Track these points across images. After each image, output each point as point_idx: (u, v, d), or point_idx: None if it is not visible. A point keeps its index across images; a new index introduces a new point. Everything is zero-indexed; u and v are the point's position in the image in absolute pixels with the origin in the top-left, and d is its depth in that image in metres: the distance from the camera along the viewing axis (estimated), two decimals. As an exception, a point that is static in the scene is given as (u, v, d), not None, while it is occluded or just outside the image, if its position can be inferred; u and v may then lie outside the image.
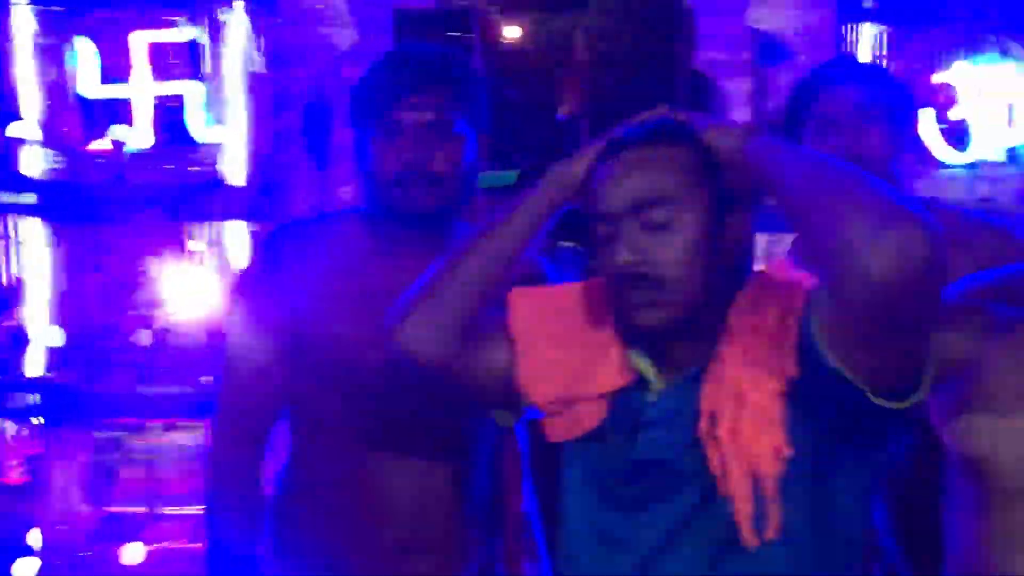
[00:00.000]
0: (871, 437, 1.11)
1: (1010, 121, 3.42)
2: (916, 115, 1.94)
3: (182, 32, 3.00)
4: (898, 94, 1.87)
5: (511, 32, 9.78)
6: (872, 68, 1.95)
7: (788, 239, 2.16)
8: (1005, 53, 3.38)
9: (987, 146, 3.41)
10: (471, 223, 1.68)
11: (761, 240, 2.51)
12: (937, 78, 3.36)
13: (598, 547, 1.18)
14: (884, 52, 3.27)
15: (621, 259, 1.11)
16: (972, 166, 3.40)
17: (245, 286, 1.64)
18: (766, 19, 3.47)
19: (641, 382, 1.20)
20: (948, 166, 3.39)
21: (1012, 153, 3.43)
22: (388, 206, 1.57)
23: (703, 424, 1.10)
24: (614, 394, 1.19)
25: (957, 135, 3.40)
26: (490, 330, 1.27)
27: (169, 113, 3.08)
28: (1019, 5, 3.41)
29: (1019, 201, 3.68)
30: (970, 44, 3.46)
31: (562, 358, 1.21)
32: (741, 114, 4.63)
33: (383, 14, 3.40)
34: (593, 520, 1.20)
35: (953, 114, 3.38)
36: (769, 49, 3.69)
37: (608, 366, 1.20)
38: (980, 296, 1.19)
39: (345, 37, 3.10)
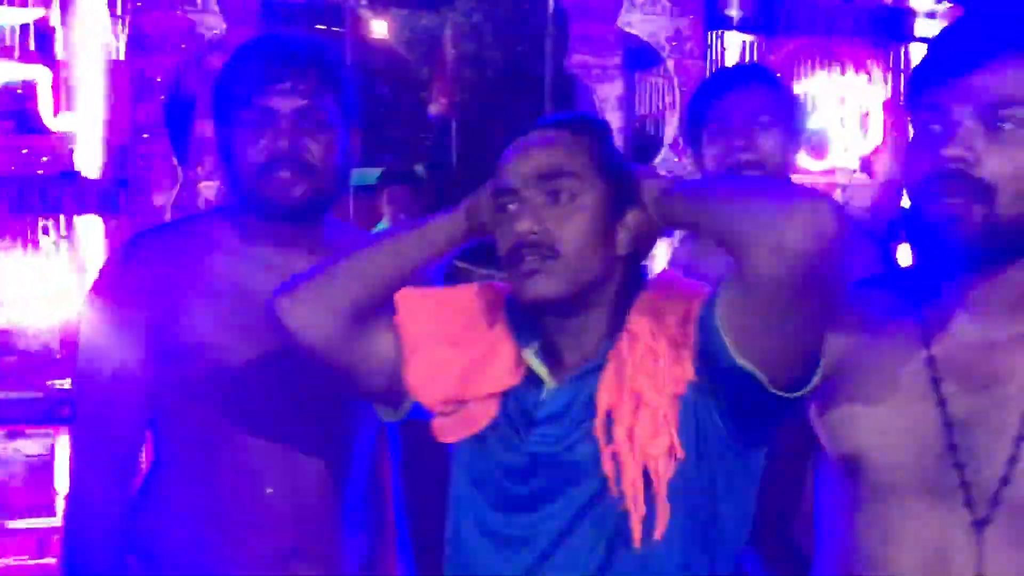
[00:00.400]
0: (757, 438, 1.15)
1: (864, 130, 3.59)
2: (803, 121, 2.02)
3: (29, 12, 2.81)
4: (789, 100, 1.94)
5: (380, 27, 9.68)
6: (765, 74, 1.99)
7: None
8: (859, 65, 3.54)
9: (843, 154, 3.56)
10: (342, 220, 1.63)
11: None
12: (797, 88, 3.49)
13: (490, 547, 1.17)
14: (749, 60, 3.39)
15: (522, 227, 1.13)
16: (828, 172, 3.56)
17: (105, 288, 1.54)
18: (636, 24, 3.52)
19: (533, 380, 1.20)
20: (807, 172, 3.53)
21: (865, 161, 3.60)
22: (257, 198, 1.51)
23: (599, 421, 1.11)
24: (505, 393, 1.20)
25: (815, 143, 3.54)
26: (378, 325, 1.24)
27: (17, 100, 2.88)
28: (873, 19, 3.59)
29: (872, 207, 3.87)
30: (827, 55, 3.62)
31: (451, 358, 1.21)
32: (612, 117, 4.71)
33: (250, 2, 3.29)
34: (484, 520, 1.19)
35: (812, 123, 3.52)
36: (638, 54, 3.77)
37: (499, 365, 1.20)
38: (859, 297, 1.23)
39: (210, 24, 2.97)
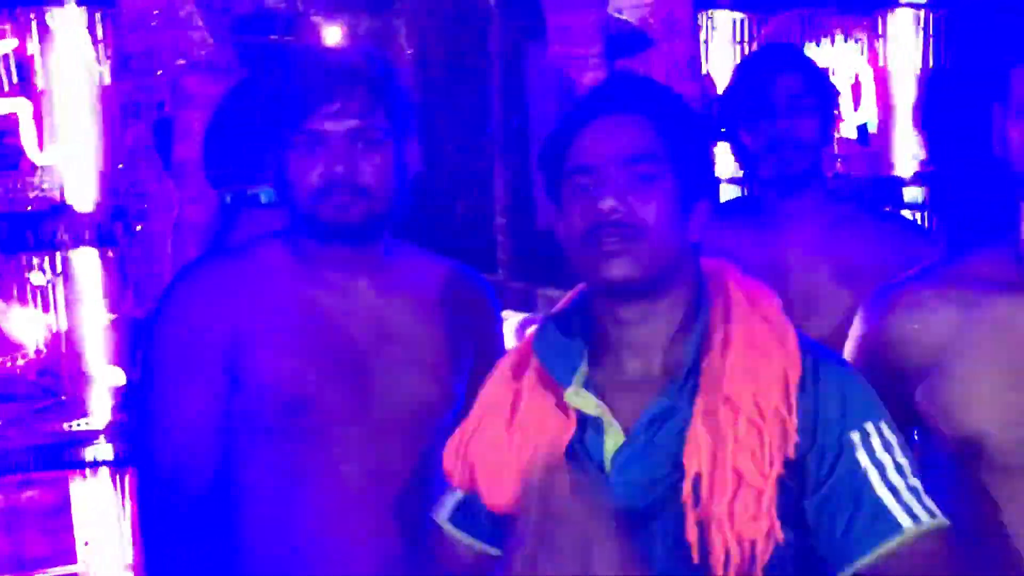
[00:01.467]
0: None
1: (857, 99, 3.57)
2: (838, 102, 2.02)
3: (5, 43, 2.69)
4: (826, 83, 1.95)
5: (332, 34, 9.58)
6: (802, 57, 2.00)
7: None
8: (848, 36, 3.52)
9: (840, 125, 3.54)
10: (402, 239, 1.58)
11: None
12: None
13: None
14: (740, 39, 3.35)
15: (606, 205, 1.10)
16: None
17: (172, 324, 1.47)
18: (627, 8, 3.48)
19: (587, 422, 1.15)
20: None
21: (862, 130, 3.59)
22: (315, 221, 1.45)
23: (687, 485, 1.06)
24: (569, 451, 1.15)
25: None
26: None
27: None
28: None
29: (869, 176, 3.86)
30: (815, 27, 3.60)
31: (508, 460, 1.16)
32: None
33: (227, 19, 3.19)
34: None
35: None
36: (623, 41, 3.72)
37: (546, 425, 1.16)
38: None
39: (196, 41, 2.87)
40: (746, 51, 3.35)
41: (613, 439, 1.13)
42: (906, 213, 3.64)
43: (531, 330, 2.31)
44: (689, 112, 1.19)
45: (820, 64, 3.43)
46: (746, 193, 2.26)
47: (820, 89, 1.95)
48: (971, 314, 1.13)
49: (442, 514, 1.27)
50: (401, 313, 1.55)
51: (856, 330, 1.25)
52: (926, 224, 3.57)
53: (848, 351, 1.27)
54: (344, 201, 1.43)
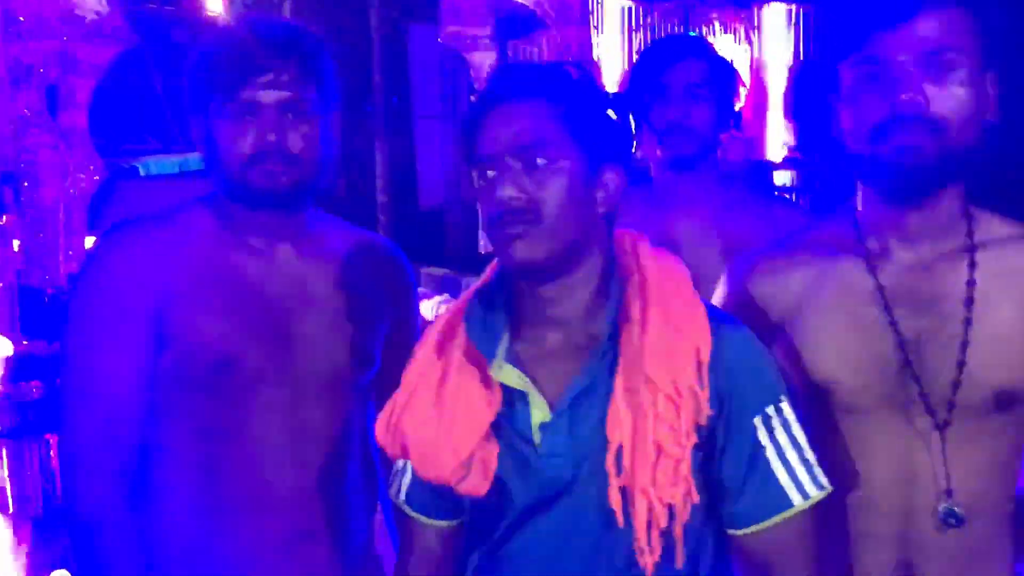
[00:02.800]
0: None
1: (733, 89, 3.77)
2: (738, 91, 2.08)
3: None
4: (725, 73, 1.99)
5: (213, 3, 9.29)
6: (702, 46, 2.04)
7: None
8: (727, 27, 3.72)
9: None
10: (324, 210, 1.62)
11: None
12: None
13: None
14: (628, 26, 3.49)
15: (504, 195, 1.14)
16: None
17: (95, 286, 1.48)
18: (520, -7, 3.57)
19: (514, 396, 1.17)
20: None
21: (737, 118, 3.80)
22: (243, 189, 1.48)
23: (611, 456, 1.12)
24: (495, 424, 1.17)
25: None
26: None
27: None
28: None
29: (744, 160, 4.09)
30: (697, 17, 3.78)
31: (433, 430, 1.19)
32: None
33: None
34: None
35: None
36: (514, 22, 3.82)
37: (472, 399, 1.18)
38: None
39: (91, 6, 2.82)
40: (633, 38, 3.49)
41: (539, 412, 1.17)
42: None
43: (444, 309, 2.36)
44: (587, 88, 1.20)
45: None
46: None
47: (718, 78, 1.99)
48: (818, 277, 1.25)
49: (400, 497, 1.29)
50: (322, 279, 1.58)
51: (720, 292, 1.35)
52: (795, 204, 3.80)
53: None
54: (275, 169, 1.44)
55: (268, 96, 1.44)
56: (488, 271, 1.26)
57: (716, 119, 1.94)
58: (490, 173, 1.16)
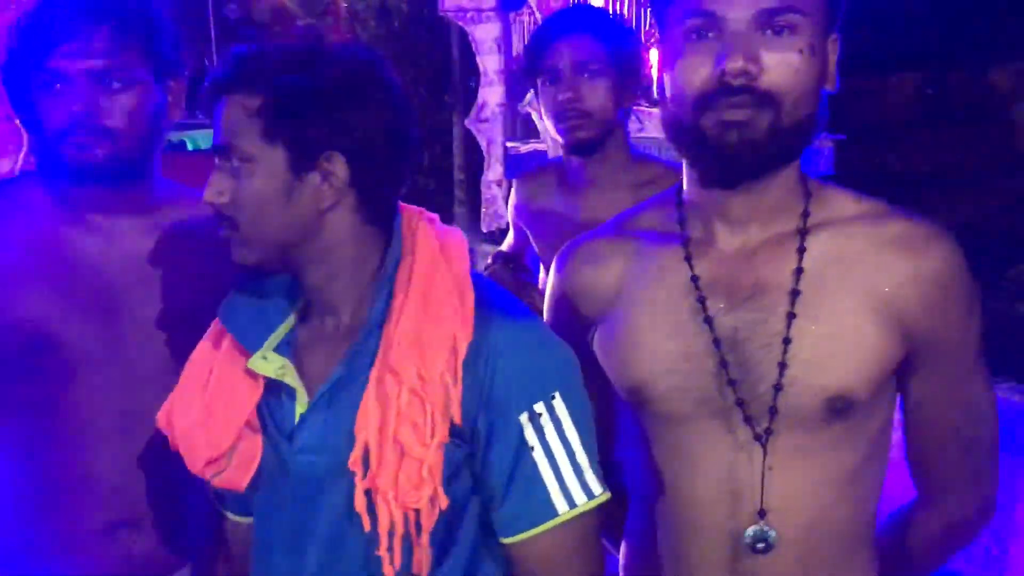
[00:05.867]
0: None
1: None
2: (640, 62, 1.92)
3: None
4: (620, 44, 1.83)
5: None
6: (593, 20, 1.88)
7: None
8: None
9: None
10: (170, 179, 1.55)
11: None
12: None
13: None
14: (584, 3, 3.32)
15: (210, 197, 1.09)
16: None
17: None
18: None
19: (277, 387, 1.11)
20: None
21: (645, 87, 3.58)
22: (57, 162, 1.41)
23: (356, 456, 1.03)
24: (259, 412, 1.12)
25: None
26: None
27: None
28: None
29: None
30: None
31: (196, 416, 1.14)
32: (491, 60, 4.61)
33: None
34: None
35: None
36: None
37: (235, 386, 1.13)
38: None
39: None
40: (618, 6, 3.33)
41: (300, 405, 1.10)
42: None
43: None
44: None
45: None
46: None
47: (611, 50, 1.84)
48: (636, 264, 1.10)
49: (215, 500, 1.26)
50: (163, 255, 1.51)
51: (547, 285, 1.22)
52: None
53: (544, 307, 1.25)
54: (86, 141, 1.37)
55: (75, 65, 1.36)
56: None
57: (615, 95, 1.80)
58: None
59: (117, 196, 1.44)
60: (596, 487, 1.03)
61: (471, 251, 1.18)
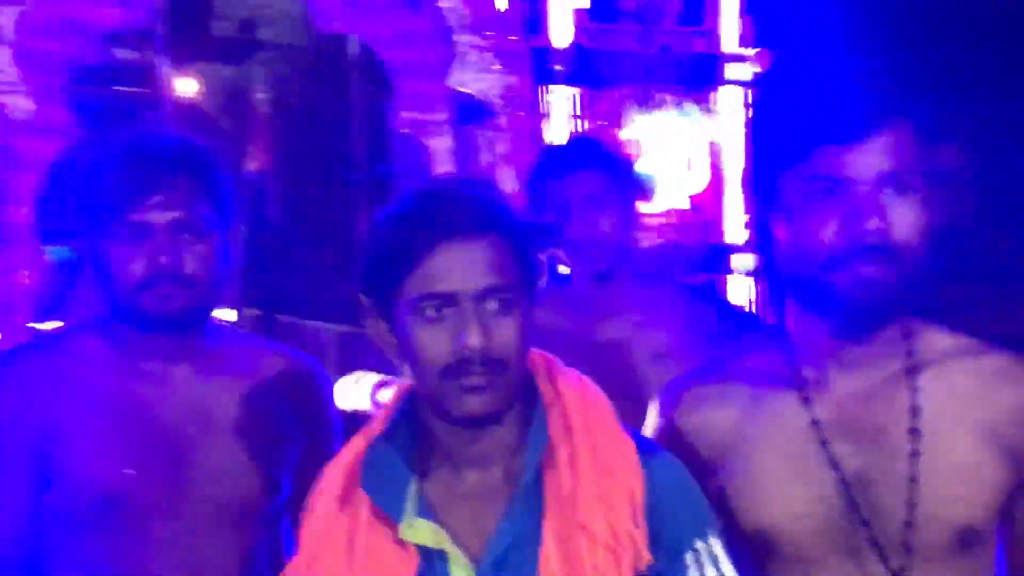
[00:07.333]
0: None
1: (689, 170, 3.77)
2: (638, 192, 2.02)
3: None
4: (625, 177, 1.92)
5: (187, 86, 9.30)
6: (599, 155, 1.96)
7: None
8: (680, 108, 3.71)
9: (673, 195, 3.72)
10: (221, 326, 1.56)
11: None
12: (624, 134, 3.62)
13: None
14: (576, 112, 3.49)
15: (474, 341, 1.04)
16: (663, 214, 3.71)
17: None
18: (470, 82, 3.57)
19: (431, 554, 1.08)
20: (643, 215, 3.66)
21: (693, 200, 3.78)
22: (134, 312, 1.41)
23: None
24: None
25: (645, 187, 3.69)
26: None
27: None
28: (688, 66, 3.77)
29: (701, 243, 4.05)
30: (648, 101, 3.77)
31: None
32: (444, 170, 4.73)
33: (57, 79, 3.11)
34: None
35: (640, 166, 3.66)
36: (468, 109, 3.81)
37: (391, 561, 1.07)
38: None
39: (19, 105, 2.78)
40: (582, 124, 3.49)
41: (461, 571, 1.07)
42: (738, 278, 3.84)
43: (384, 394, 2.23)
44: (526, 223, 1.14)
45: (646, 134, 3.65)
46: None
47: (616, 181, 1.86)
48: (751, 410, 1.15)
49: None
50: (223, 401, 1.51)
51: (650, 424, 1.27)
52: (755, 289, 3.76)
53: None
54: (168, 292, 1.39)
55: (160, 217, 1.38)
56: (386, 411, 1.15)
57: (622, 223, 1.88)
58: (445, 312, 1.06)
59: (176, 343, 1.45)
60: None
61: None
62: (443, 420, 1.10)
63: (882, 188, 1.05)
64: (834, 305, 1.07)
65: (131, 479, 1.39)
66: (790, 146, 1.08)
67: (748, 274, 3.76)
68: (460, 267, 1.06)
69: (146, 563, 1.40)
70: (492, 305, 1.06)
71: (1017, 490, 1.09)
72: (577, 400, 1.11)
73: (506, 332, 1.06)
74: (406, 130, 4.14)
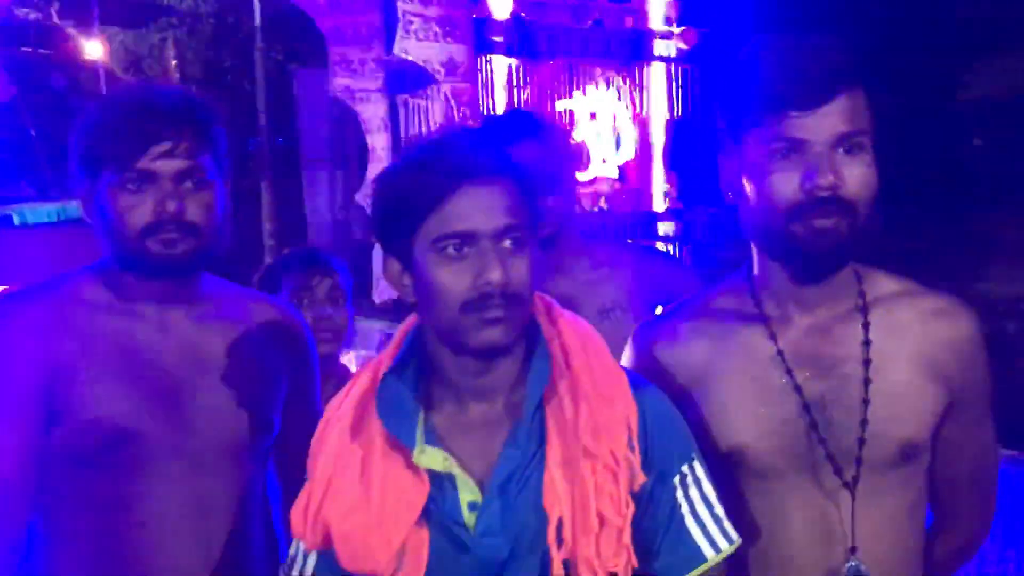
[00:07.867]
0: None
1: (618, 142, 3.91)
2: (574, 162, 2.07)
3: None
4: (559, 147, 1.96)
5: (92, 49, 9.02)
6: (534, 124, 1.98)
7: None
8: (608, 83, 3.83)
9: (602, 165, 3.86)
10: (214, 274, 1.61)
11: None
12: (559, 105, 3.74)
13: None
14: (516, 83, 3.59)
15: (495, 277, 1.11)
16: (591, 183, 3.84)
17: None
18: (412, 50, 3.63)
19: (442, 479, 1.15)
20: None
21: (622, 170, 3.93)
22: (139, 257, 1.46)
23: (551, 529, 1.11)
24: (425, 510, 1.13)
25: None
26: None
27: None
28: (619, 40, 3.90)
29: (630, 211, 4.20)
30: (581, 75, 3.88)
31: (359, 520, 1.15)
32: (378, 138, 4.76)
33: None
34: None
35: (574, 136, 3.79)
36: (402, 77, 3.86)
37: (400, 487, 1.15)
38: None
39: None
40: (520, 95, 3.59)
41: (469, 493, 1.15)
42: (660, 244, 4.01)
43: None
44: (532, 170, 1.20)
45: (579, 106, 3.76)
46: None
47: (555, 154, 1.90)
48: (720, 344, 1.28)
49: None
50: (217, 345, 1.56)
51: (627, 359, 1.36)
52: (677, 253, 3.93)
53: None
54: (173, 238, 1.42)
55: (166, 166, 1.43)
56: (394, 344, 1.22)
57: (563, 196, 1.95)
58: (466, 251, 1.12)
59: (175, 289, 1.51)
60: (733, 533, 1.21)
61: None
62: (457, 353, 1.16)
63: (836, 148, 1.19)
64: (794, 252, 1.22)
65: (135, 416, 1.44)
66: (755, 112, 1.20)
67: (670, 240, 3.93)
68: (479, 208, 1.13)
69: (150, 500, 1.45)
70: (507, 244, 1.13)
71: (946, 409, 1.26)
72: (575, 336, 1.20)
73: (521, 268, 1.14)
74: (339, 96, 4.19)
